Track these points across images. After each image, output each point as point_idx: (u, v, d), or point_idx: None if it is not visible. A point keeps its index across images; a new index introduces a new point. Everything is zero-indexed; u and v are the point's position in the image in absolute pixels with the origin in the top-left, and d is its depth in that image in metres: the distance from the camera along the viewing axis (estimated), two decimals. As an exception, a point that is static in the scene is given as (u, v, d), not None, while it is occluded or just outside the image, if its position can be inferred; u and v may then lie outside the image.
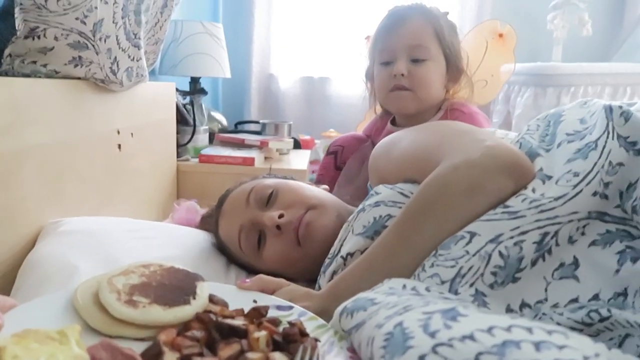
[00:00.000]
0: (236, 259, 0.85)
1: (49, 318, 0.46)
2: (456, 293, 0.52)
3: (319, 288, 0.69)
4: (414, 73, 1.04)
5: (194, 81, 1.86)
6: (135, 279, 0.53)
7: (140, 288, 0.51)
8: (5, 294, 0.68)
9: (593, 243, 0.50)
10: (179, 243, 0.84)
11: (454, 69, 1.10)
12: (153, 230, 0.88)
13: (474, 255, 0.52)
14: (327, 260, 0.70)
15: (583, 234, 0.50)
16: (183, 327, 0.49)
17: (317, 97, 2.51)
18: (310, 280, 0.77)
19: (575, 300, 0.48)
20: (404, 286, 0.51)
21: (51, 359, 0.38)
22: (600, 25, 2.34)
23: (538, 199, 0.53)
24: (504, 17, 2.42)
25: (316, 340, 0.50)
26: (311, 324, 0.53)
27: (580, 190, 0.51)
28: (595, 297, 0.47)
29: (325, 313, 0.55)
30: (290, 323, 0.52)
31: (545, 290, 0.50)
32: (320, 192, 0.85)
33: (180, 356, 0.43)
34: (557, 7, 2.20)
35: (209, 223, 0.93)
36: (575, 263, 0.50)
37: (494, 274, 0.51)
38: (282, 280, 0.63)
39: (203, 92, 1.86)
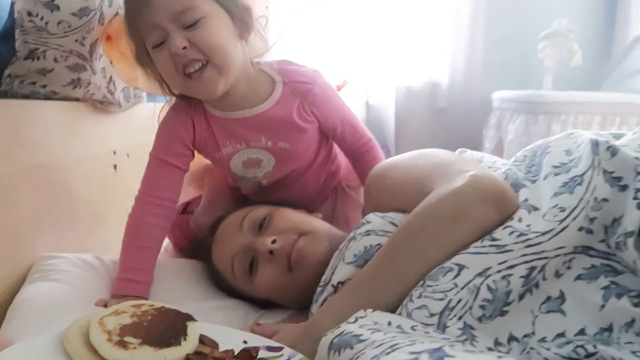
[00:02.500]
0: (228, 286, 0.85)
1: (39, 359, 0.46)
2: (445, 326, 0.52)
3: (312, 316, 0.69)
4: (194, 40, 0.76)
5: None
6: (126, 319, 0.53)
7: (131, 328, 0.52)
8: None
9: (579, 277, 0.50)
10: (161, 277, 0.85)
11: (241, 19, 0.82)
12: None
13: (462, 288, 0.53)
14: (319, 289, 0.70)
15: (569, 267, 0.51)
16: (173, 369, 0.49)
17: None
18: (302, 307, 0.77)
19: (561, 334, 0.49)
20: (389, 323, 0.51)
21: None
22: (589, 55, 2.40)
23: (525, 233, 0.53)
24: (495, 45, 2.48)
25: None
26: None
27: (567, 226, 0.52)
28: (581, 331, 0.48)
29: (314, 341, 0.55)
30: None
31: (533, 323, 0.50)
32: (312, 219, 0.85)
33: (170, 401, 0.43)
34: (548, 37, 2.25)
35: (200, 251, 0.93)
36: (562, 297, 0.50)
37: (482, 307, 0.52)
38: (281, 325, 0.64)
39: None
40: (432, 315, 0.53)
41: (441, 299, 0.53)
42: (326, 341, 0.50)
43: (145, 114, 1.36)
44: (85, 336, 0.50)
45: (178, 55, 0.76)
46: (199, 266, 0.92)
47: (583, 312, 0.49)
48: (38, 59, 0.85)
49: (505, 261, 0.52)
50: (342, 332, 0.50)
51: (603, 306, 0.48)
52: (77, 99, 1.00)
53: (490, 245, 0.54)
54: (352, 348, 0.46)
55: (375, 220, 0.69)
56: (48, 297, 0.71)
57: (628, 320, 0.46)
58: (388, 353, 0.42)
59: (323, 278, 0.70)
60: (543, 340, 0.49)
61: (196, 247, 0.96)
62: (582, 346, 0.45)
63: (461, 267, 0.54)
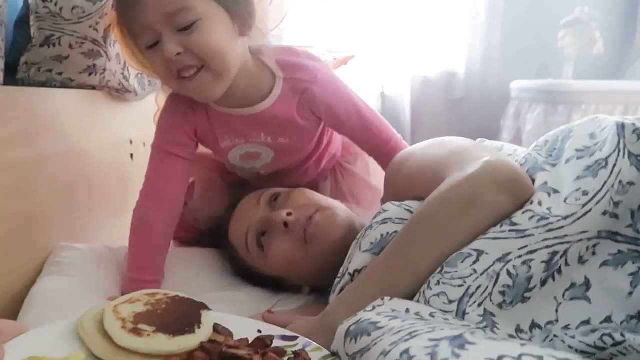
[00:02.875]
0: (242, 266, 0.84)
1: (54, 346, 0.46)
2: (464, 313, 0.51)
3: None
4: (189, 45, 0.72)
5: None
6: (140, 307, 0.53)
7: (145, 316, 0.51)
8: (13, 308, 0.69)
9: (605, 263, 0.49)
10: (174, 266, 0.85)
11: (241, 15, 0.77)
12: None
13: (481, 274, 0.52)
14: (337, 280, 0.70)
15: (594, 253, 0.50)
16: (187, 357, 0.49)
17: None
18: (315, 285, 0.77)
19: (586, 322, 0.47)
20: (407, 310, 0.51)
21: None
22: (611, 43, 2.34)
23: (546, 217, 0.52)
24: (514, 33, 2.43)
25: None
26: (316, 354, 0.53)
27: (590, 210, 0.51)
28: (608, 319, 0.47)
29: (328, 330, 0.55)
30: (294, 353, 0.52)
31: (556, 311, 0.49)
32: (330, 199, 0.85)
33: (184, 387, 0.43)
34: (568, 25, 2.20)
35: (215, 237, 0.92)
36: (587, 284, 0.49)
37: (502, 293, 0.51)
38: (294, 315, 0.64)
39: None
40: (450, 302, 0.52)
41: (460, 286, 0.52)
42: (343, 329, 0.50)
43: (161, 103, 1.37)
44: (99, 324, 0.50)
45: (172, 61, 0.72)
46: (211, 256, 0.92)
47: (609, 300, 0.47)
48: (54, 45, 0.86)
49: (526, 246, 0.52)
50: (359, 320, 0.49)
51: (631, 293, 0.47)
52: (93, 87, 1.00)
53: (510, 230, 0.53)
54: (369, 335, 0.46)
55: (391, 208, 0.68)
56: (63, 290, 0.71)
57: None
58: (407, 340, 0.41)
59: (341, 269, 0.70)
60: (567, 327, 0.48)
61: (211, 233, 0.96)
62: (609, 334, 0.44)
63: (480, 253, 0.53)
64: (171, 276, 0.83)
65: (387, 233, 0.66)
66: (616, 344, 0.44)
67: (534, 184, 0.58)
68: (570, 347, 0.46)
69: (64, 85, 0.94)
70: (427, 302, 0.53)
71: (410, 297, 0.56)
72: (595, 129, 0.59)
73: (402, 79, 2.43)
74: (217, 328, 0.54)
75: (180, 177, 0.85)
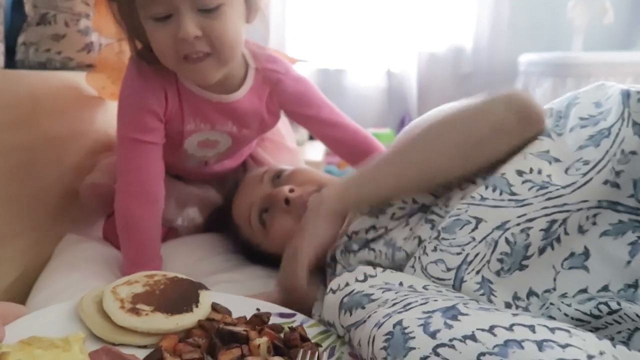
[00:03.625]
0: (246, 243, 0.85)
1: (54, 326, 0.47)
2: (462, 281, 0.51)
3: (325, 276, 0.69)
4: (209, 31, 0.68)
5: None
6: (138, 288, 0.54)
7: (143, 297, 0.52)
8: (22, 291, 0.71)
9: (604, 233, 0.49)
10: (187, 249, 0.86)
11: (252, 5, 0.74)
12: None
13: (480, 242, 0.52)
14: (345, 237, 0.69)
15: (594, 223, 0.50)
16: (185, 335, 0.50)
17: (332, 88, 2.48)
18: (317, 266, 0.77)
19: (584, 290, 0.48)
20: (401, 283, 0.51)
21: None
22: (622, 13, 2.27)
23: (545, 186, 0.53)
24: (522, 5, 2.38)
25: (317, 345, 0.50)
26: (313, 330, 0.54)
27: (590, 179, 0.51)
28: (605, 288, 0.47)
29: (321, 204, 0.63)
30: (291, 329, 0.52)
31: (554, 279, 0.49)
32: (335, 177, 0.85)
33: (181, 362, 0.44)
34: (579, -6, 2.14)
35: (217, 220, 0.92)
36: (586, 253, 0.49)
37: (500, 260, 0.51)
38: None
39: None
40: (449, 269, 0.53)
41: (458, 253, 0.53)
42: (335, 299, 0.50)
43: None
44: (99, 305, 0.51)
45: (185, 42, 0.67)
46: (213, 239, 0.93)
47: (608, 269, 0.48)
48: (49, 23, 0.86)
49: (525, 214, 0.52)
50: (352, 291, 0.50)
51: (629, 262, 0.47)
52: (90, 65, 1.00)
53: (509, 200, 0.53)
54: (363, 308, 0.47)
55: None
56: (71, 279, 0.73)
57: None
58: (400, 312, 0.41)
59: (339, 233, 0.70)
60: (564, 295, 0.48)
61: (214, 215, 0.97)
62: (605, 303, 0.45)
63: (479, 221, 0.53)
64: (174, 260, 0.84)
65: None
66: (611, 312, 0.44)
67: (536, 147, 0.58)
68: (565, 314, 0.46)
69: (64, 65, 0.95)
70: (424, 269, 0.54)
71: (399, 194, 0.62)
72: (601, 97, 0.58)
73: (408, 55, 2.40)
74: (215, 307, 0.55)
75: (156, 164, 0.78)
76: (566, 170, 0.53)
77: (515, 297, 0.50)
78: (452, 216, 0.55)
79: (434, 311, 0.39)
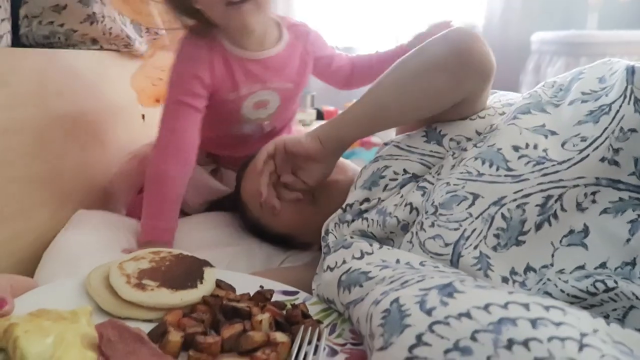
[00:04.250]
0: (254, 223, 0.85)
1: (62, 300, 0.48)
2: (460, 255, 0.52)
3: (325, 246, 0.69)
4: None
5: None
6: (145, 264, 0.55)
7: (149, 272, 0.54)
8: (29, 266, 0.72)
9: (604, 211, 0.49)
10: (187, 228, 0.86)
11: None
12: None
13: (477, 217, 0.53)
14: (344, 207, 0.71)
15: (594, 201, 0.50)
16: (189, 310, 0.51)
17: (340, 67, 2.47)
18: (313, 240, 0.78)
19: (581, 267, 0.48)
20: (398, 260, 0.52)
21: (60, 336, 0.40)
22: (640, -10, 2.21)
23: (541, 162, 0.53)
24: (537, -18, 2.32)
25: (318, 322, 0.51)
26: (315, 308, 0.55)
27: (587, 155, 0.51)
28: (602, 265, 0.47)
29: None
30: (293, 305, 0.53)
31: (552, 255, 0.49)
32: (342, 159, 0.83)
33: (184, 335, 0.45)
34: (594, -30, 2.08)
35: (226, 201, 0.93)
36: (585, 231, 0.49)
37: (496, 236, 0.51)
38: None
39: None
40: (446, 245, 0.53)
41: (456, 229, 0.53)
42: (333, 278, 0.51)
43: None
44: (106, 280, 0.52)
45: None
46: (223, 219, 0.94)
47: (606, 246, 0.48)
48: (49, -6, 0.85)
49: (521, 190, 0.52)
50: (349, 269, 0.50)
51: (629, 240, 0.47)
52: (97, 42, 1.00)
53: (506, 175, 0.53)
54: (361, 286, 0.47)
55: (384, 147, 0.71)
56: (80, 249, 0.74)
57: None
58: (397, 290, 0.42)
59: (347, 199, 0.70)
60: (561, 271, 0.49)
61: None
62: (601, 280, 0.45)
63: (476, 197, 0.54)
64: (184, 236, 0.85)
65: (378, 169, 0.67)
66: (608, 289, 0.44)
67: (531, 122, 0.59)
68: (562, 290, 0.46)
69: (68, 38, 0.95)
70: (421, 244, 0.54)
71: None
72: (606, 73, 0.58)
73: (418, 32, 2.37)
74: (219, 283, 0.56)
75: (194, 130, 0.85)
76: (563, 144, 0.53)
77: (513, 272, 0.50)
78: (450, 192, 0.56)
79: (430, 288, 0.40)
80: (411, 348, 0.35)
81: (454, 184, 0.56)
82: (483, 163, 0.56)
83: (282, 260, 0.83)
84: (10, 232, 0.73)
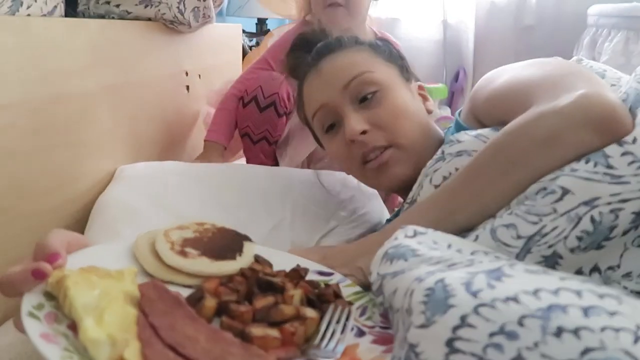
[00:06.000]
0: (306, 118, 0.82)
1: (111, 260, 0.51)
2: (528, 252, 0.49)
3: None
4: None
5: (261, 22, 1.86)
6: (189, 233, 0.58)
7: (192, 242, 0.57)
8: (80, 229, 0.77)
9: None
10: (235, 186, 0.88)
11: None
12: (212, 174, 0.91)
13: (562, 215, 0.48)
14: (405, 205, 0.69)
15: None
16: (227, 280, 0.53)
17: (385, 39, 2.43)
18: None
19: None
20: (449, 245, 0.49)
21: (106, 291, 0.44)
22: None
23: None
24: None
25: (349, 303, 0.53)
26: (348, 290, 0.56)
27: None
28: None
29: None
30: (326, 285, 0.55)
31: (620, 256, 0.47)
32: (417, 129, 0.74)
33: (219, 302, 0.48)
34: (665, -62, 1.93)
35: (297, 68, 0.84)
36: None
37: (579, 238, 0.47)
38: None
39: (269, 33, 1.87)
40: (519, 237, 0.50)
41: (534, 223, 0.50)
42: (382, 251, 0.50)
43: (215, 35, 1.38)
44: (152, 245, 0.56)
45: None
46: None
47: None
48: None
49: (619, 193, 0.47)
50: (399, 244, 0.48)
51: None
52: (148, 19, 1.03)
53: (605, 174, 0.48)
54: (406, 260, 0.46)
55: (466, 139, 0.64)
56: (124, 204, 0.78)
57: None
58: (443, 271, 0.41)
59: (410, 195, 0.68)
60: (627, 275, 0.47)
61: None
62: None
63: (565, 192, 0.49)
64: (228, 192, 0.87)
65: (462, 167, 0.61)
66: None
67: (634, 120, 0.52)
68: (625, 287, 0.45)
69: (121, 18, 0.98)
70: (493, 231, 0.52)
71: (469, 229, 0.55)
72: None
73: (466, 4, 2.28)
74: (257, 258, 0.59)
75: (264, 83, 1.13)
76: None
77: (578, 272, 0.48)
78: (537, 182, 0.52)
79: (477, 272, 0.38)
80: (455, 329, 0.35)
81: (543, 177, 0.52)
82: (579, 160, 0.50)
83: (323, 234, 0.83)
84: (61, 200, 0.78)
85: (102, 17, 0.96)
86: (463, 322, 0.35)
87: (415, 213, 0.60)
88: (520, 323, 0.33)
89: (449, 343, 0.35)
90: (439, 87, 2.19)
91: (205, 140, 1.18)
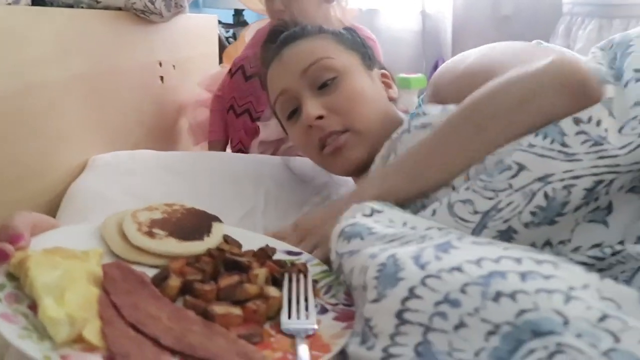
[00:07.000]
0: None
1: (78, 241, 0.51)
2: (484, 227, 0.50)
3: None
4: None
5: (238, 14, 1.86)
6: (157, 214, 0.58)
7: (160, 223, 0.57)
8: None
9: (632, 189, 0.48)
10: (207, 174, 0.89)
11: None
12: (184, 162, 0.92)
13: (516, 190, 0.49)
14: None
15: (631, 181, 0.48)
16: (194, 260, 0.53)
17: (364, 31, 2.43)
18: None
19: (598, 245, 0.47)
20: (405, 223, 0.50)
21: (69, 271, 0.44)
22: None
23: (600, 142, 0.48)
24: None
25: (315, 282, 0.53)
26: (315, 269, 0.56)
27: None
28: (620, 244, 0.46)
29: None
30: (292, 264, 0.55)
31: (572, 231, 0.49)
32: (374, 114, 0.73)
33: (183, 281, 0.48)
34: None
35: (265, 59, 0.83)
36: (609, 208, 0.48)
37: (533, 214, 0.48)
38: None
39: (246, 24, 1.86)
40: (476, 212, 0.51)
41: (490, 198, 0.50)
42: (338, 229, 0.51)
43: (190, 26, 1.37)
44: (119, 226, 0.56)
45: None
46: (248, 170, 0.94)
47: (626, 224, 0.47)
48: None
49: (572, 170, 0.48)
50: (355, 223, 0.50)
51: None
52: (119, 8, 1.02)
53: (559, 151, 0.49)
54: (362, 239, 0.47)
55: (433, 112, 0.64)
56: (94, 192, 0.78)
57: None
58: (396, 248, 0.42)
59: (372, 168, 0.69)
60: (577, 249, 0.48)
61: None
62: (609, 246, 0.45)
63: (521, 168, 0.50)
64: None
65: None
66: (615, 252, 0.45)
67: None
68: (571, 259, 0.46)
69: (90, 7, 0.97)
70: (450, 206, 0.53)
71: (436, 189, 0.56)
72: None
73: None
74: (226, 239, 0.59)
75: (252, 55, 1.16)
76: (620, 129, 0.49)
77: (531, 245, 0.49)
78: (494, 155, 0.53)
79: (427, 246, 0.40)
80: (404, 301, 0.37)
81: (501, 151, 0.53)
82: (537, 134, 0.51)
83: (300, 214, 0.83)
84: (30, 191, 0.77)
85: (71, 6, 0.94)
86: (411, 293, 0.37)
87: (383, 174, 0.61)
88: (462, 291, 0.35)
89: (399, 315, 0.37)
90: (418, 77, 2.19)
91: (209, 142, 1.26)
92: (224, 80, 1.26)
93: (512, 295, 0.33)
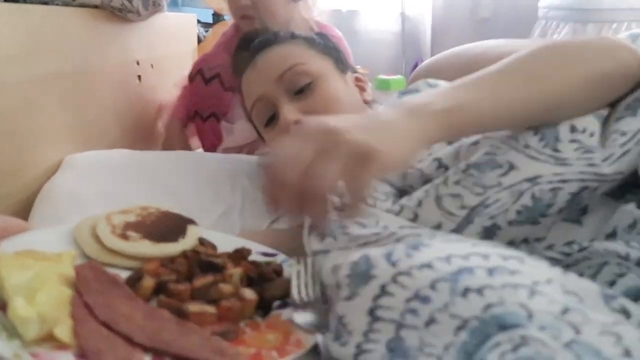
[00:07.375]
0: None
1: (51, 244, 0.51)
2: (469, 222, 0.51)
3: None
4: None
5: (217, 13, 1.85)
6: (131, 217, 0.58)
7: (134, 225, 0.57)
8: (23, 219, 0.76)
9: (607, 192, 0.50)
10: (183, 173, 0.88)
11: None
12: (160, 161, 0.91)
13: (505, 188, 0.51)
14: None
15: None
16: (169, 261, 0.53)
17: (344, 32, 2.42)
18: None
19: (570, 243, 0.49)
20: (377, 222, 0.51)
21: (40, 272, 0.44)
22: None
23: (591, 150, 0.50)
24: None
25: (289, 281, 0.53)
26: (292, 269, 0.56)
27: (628, 150, 0.50)
28: (591, 241, 0.48)
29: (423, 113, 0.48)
30: (267, 264, 0.56)
31: (548, 229, 0.50)
32: (352, 108, 0.74)
33: (157, 281, 0.48)
34: None
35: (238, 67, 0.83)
36: (585, 209, 0.50)
37: (518, 212, 0.50)
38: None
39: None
40: (463, 207, 0.52)
41: (479, 194, 0.52)
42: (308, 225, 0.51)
43: (168, 25, 1.36)
44: (93, 229, 0.56)
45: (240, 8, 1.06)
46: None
47: (598, 224, 0.49)
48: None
49: (561, 174, 0.50)
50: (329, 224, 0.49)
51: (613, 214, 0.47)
52: (95, 6, 1.01)
53: (549, 155, 0.51)
54: (335, 239, 0.48)
55: (425, 90, 0.64)
56: (68, 192, 0.77)
57: (630, 222, 0.46)
58: (368, 247, 0.43)
59: None
60: (550, 247, 0.50)
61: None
62: (576, 242, 0.47)
63: (511, 167, 0.51)
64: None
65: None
66: (582, 249, 0.46)
67: None
68: (545, 255, 0.48)
69: (66, 4, 0.95)
70: (437, 198, 0.53)
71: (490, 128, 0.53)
72: None
73: (423, -3, 2.32)
74: (202, 241, 0.59)
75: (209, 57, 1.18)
76: (604, 143, 0.51)
77: (510, 243, 0.51)
78: (488, 154, 0.54)
79: (399, 245, 0.41)
80: (376, 298, 0.37)
81: (496, 147, 0.54)
82: (535, 133, 0.52)
83: (273, 219, 0.82)
84: (3, 190, 0.76)
85: (46, 3, 0.93)
86: (383, 291, 0.37)
87: (454, 88, 0.52)
88: (432, 287, 0.36)
89: (371, 312, 0.37)
90: (397, 78, 2.22)
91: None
92: (182, 89, 1.23)
93: (480, 291, 0.34)
